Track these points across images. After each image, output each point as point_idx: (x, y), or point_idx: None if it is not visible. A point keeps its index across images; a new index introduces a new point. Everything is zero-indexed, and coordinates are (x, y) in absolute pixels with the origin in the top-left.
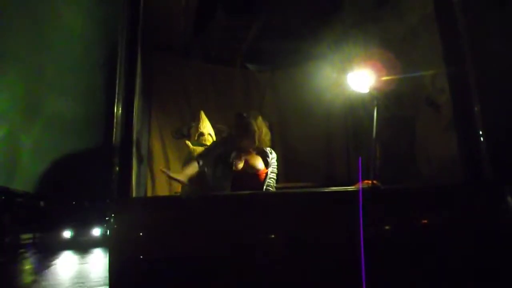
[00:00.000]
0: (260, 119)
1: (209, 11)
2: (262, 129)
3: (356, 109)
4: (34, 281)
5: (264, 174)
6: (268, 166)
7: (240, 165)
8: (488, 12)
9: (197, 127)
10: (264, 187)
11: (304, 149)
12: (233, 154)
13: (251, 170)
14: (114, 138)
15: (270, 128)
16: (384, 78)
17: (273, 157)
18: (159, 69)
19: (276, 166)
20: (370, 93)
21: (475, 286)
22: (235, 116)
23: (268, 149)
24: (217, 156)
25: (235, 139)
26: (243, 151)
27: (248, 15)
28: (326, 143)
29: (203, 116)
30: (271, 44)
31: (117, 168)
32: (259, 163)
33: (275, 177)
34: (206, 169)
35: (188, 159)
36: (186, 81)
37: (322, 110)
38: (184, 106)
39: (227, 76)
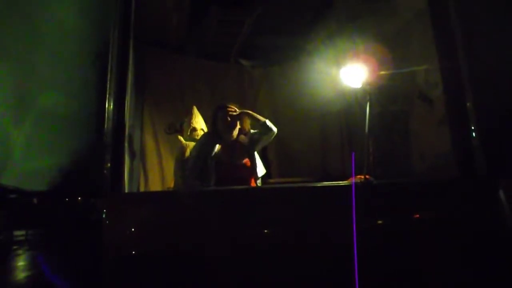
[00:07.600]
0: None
1: (203, 6)
2: (243, 119)
3: (350, 104)
4: (27, 278)
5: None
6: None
7: (226, 157)
8: (481, 7)
9: (190, 122)
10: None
11: (298, 144)
12: (216, 147)
13: (238, 161)
14: (106, 134)
15: None
16: (377, 73)
17: (252, 137)
18: (153, 65)
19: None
20: (363, 88)
21: (469, 280)
22: (217, 108)
23: (244, 138)
24: (206, 150)
25: (217, 132)
26: (226, 143)
27: (242, 10)
28: (320, 138)
29: (195, 111)
30: (265, 39)
31: (110, 164)
32: (244, 152)
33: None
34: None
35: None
36: (179, 77)
37: (316, 105)
38: (177, 101)
39: (221, 71)
